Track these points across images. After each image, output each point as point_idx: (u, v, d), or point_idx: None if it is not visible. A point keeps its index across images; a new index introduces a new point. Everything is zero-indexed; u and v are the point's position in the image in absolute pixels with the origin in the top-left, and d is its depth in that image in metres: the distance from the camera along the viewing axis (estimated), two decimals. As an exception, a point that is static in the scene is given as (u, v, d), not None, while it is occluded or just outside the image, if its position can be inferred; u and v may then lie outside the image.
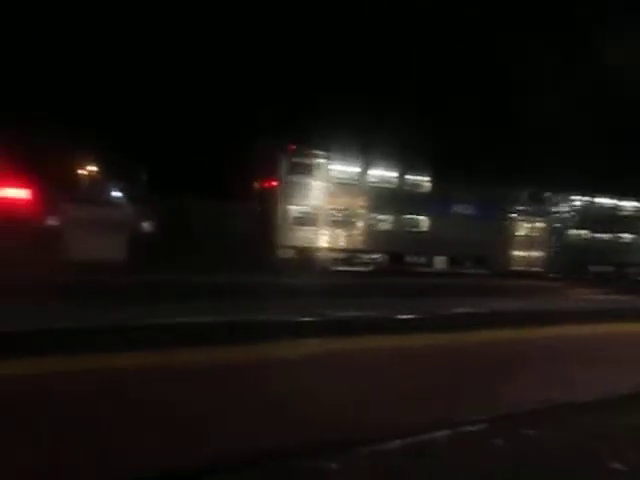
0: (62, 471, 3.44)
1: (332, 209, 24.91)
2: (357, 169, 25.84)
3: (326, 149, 25.38)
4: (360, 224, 25.59)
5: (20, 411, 4.34)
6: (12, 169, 25.68)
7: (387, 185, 26.61)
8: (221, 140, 29.45)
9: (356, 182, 25.75)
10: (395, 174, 26.86)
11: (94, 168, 31.45)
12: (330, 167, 25.22)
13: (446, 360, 6.23)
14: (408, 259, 26.52)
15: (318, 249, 24.62)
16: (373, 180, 26.29)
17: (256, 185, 26.00)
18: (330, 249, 24.99)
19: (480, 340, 6.79)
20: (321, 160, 24.96)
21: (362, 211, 25.67)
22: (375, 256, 25.84)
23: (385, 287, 18.73)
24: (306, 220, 24.54)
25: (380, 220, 26.26)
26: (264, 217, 24.54)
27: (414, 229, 26.77)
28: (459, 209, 27.85)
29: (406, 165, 27.15)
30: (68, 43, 31.13)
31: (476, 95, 37.03)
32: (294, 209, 24.23)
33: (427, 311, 10.54)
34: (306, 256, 24.07)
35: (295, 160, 24.42)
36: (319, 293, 15.56)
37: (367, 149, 26.17)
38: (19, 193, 26.35)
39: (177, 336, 7.38)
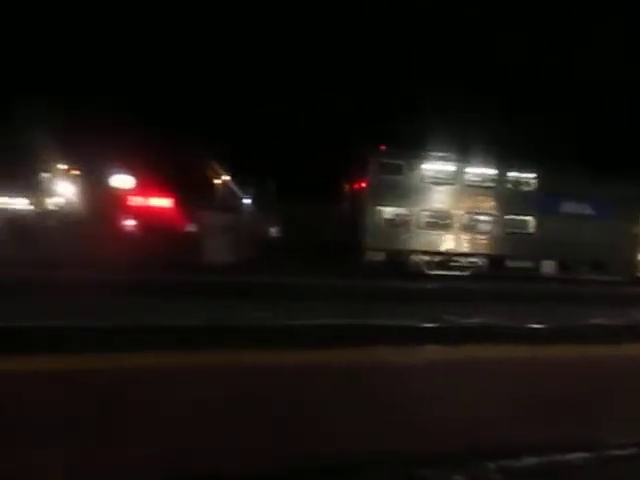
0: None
1: (426, 210, 23.04)
2: (453, 168, 23.62)
3: (419, 148, 23.86)
4: (456, 225, 23.29)
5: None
6: (157, 180, 27.57)
7: (487, 183, 24.03)
8: (325, 146, 29.41)
9: (452, 181, 23.43)
10: (496, 171, 24.11)
11: (227, 178, 32.84)
12: (423, 167, 23.18)
13: (582, 374, 5.57)
14: (510, 263, 23.75)
15: (411, 252, 22.80)
16: (471, 178, 23.84)
17: (346, 187, 25.23)
18: (424, 252, 22.96)
19: (624, 354, 5.97)
20: (413, 160, 23.01)
21: (458, 212, 23.36)
22: (473, 260, 23.54)
23: (491, 293, 16.89)
24: (398, 222, 22.73)
25: (479, 221, 23.69)
26: (354, 219, 23.71)
27: (518, 230, 23.81)
28: (572, 208, 24.32)
29: (508, 161, 24.33)
30: (209, 65, 32.81)
31: (587, 82, 33.98)
32: (385, 210, 23.09)
33: (552, 319, 9.70)
34: (398, 259, 22.83)
35: (385, 160, 23.21)
36: (425, 297, 14.79)
37: (464, 146, 24.17)
38: (163, 202, 28.28)
39: (293, 337, 7.34)
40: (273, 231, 25.37)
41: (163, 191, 27.88)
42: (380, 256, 22.43)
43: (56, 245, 19.13)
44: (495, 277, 22.27)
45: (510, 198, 23.90)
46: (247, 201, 29.46)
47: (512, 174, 24.36)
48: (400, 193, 22.85)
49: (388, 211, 22.84)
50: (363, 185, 23.10)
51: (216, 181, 32.40)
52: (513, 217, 23.89)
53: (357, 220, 23.02)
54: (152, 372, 4.88)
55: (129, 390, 4.28)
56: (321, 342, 7.03)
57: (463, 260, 23.47)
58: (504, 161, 24.16)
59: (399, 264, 22.46)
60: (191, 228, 26.81)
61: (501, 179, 24.11)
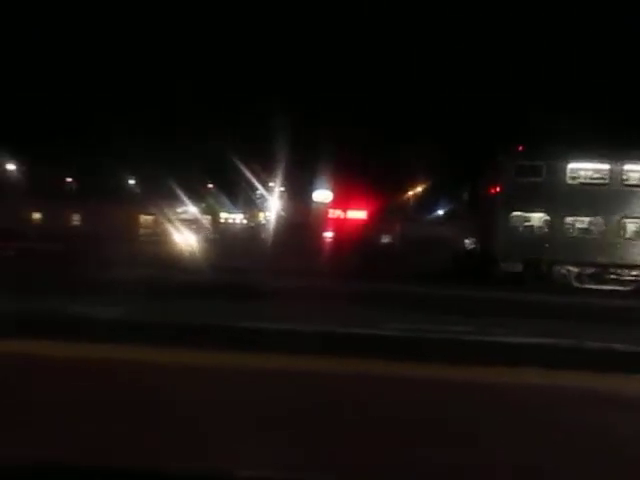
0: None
1: (573, 215, 19.89)
2: (606, 166, 19.95)
3: (562, 147, 19.93)
4: (615, 233, 19.59)
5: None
6: (354, 194, 28.65)
7: None
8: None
9: (606, 182, 19.78)
10: None
11: (420, 189, 32.78)
12: (569, 167, 19.94)
13: None
14: None
15: (554, 262, 19.63)
16: (634, 177, 19.84)
17: (480, 191, 22.73)
18: (572, 263, 19.76)
19: None
20: (556, 160, 19.91)
21: (616, 216, 19.64)
22: (637, 273, 19.28)
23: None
24: (538, 229, 19.95)
25: None
26: (487, 226, 21.08)
27: None
28: None
29: None
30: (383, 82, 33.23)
31: None
32: (523, 217, 19.92)
33: None
34: (538, 270, 19.38)
35: (522, 162, 20.19)
36: (618, 315, 12.44)
37: (620, 141, 19.79)
38: (359, 214, 29.28)
39: (494, 355, 6.89)
40: (468, 242, 24.45)
41: (359, 204, 28.88)
42: (517, 267, 19.61)
43: (264, 255, 20.86)
44: None
45: None
46: (442, 212, 29.05)
47: None
48: (541, 197, 19.52)
49: (527, 217, 19.97)
50: (498, 190, 20.70)
51: (410, 193, 32.57)
52: None
53: (491, 228, 20.59)
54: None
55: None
56: (517, 361, 6.53)
57: (624, 273, 19.21)
58: None
59: (540, 275, 19.29)
60: (386, 239, 27.29)
61: None
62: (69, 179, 38.23)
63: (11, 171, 35.61)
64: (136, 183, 34.92)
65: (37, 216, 34.21)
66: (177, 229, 27.59)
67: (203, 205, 33.49)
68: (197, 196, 31.90)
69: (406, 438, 3.85)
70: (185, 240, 25.66)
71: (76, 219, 33.94)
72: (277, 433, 3.75)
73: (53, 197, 32.87)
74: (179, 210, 30.89)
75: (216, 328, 8.08)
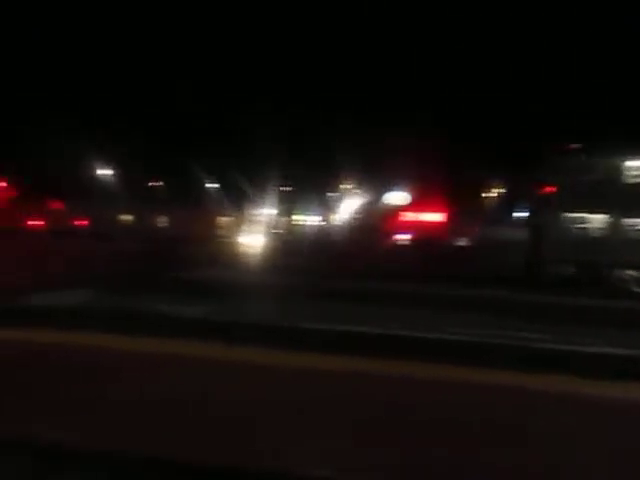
0: None
1: (629, 216, 18.66)
2: None
3: (620, 144, 18.89)
4: None
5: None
6: (430, 196, 28.19)
7: None
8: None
9: None
10: None
11: (501, 191, 31.85)
12: (627, 165, 18.71)
13: None
14: None
15: (611, 265, 18.43)
16: None
17: (532, 191, 21.44)
18: (630, 266, 18.35)
19: None
20: (613, 158, 18.79)
21: None
22: None
23: None
24: (594, 230, 18.82)
25: None
26: (538, 226, 19.75)
27: None
28: None
29: None
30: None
31: None
32: (577, 217, 18.44)
33: None
34: (593, 273, 17.83)
35: (577, 161, 19.27)
36: None
37: None
38: (435, 217, 28.73)
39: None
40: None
41: (436, 206, 28.36)
42: (568, 269, 18.33)
43: (335, 257, 21.04)
44: None
45: None
46: (520, 214, 27.97)
47: None
48: (597, 197, 18.33)
49: (581, 218, 18.65)
50: (551, 189, 19.47)
51: (487, 195, 31.62)
52: None
53: (542, 228, 19.41)
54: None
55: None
56: (600, 372, 6.19)
57: None
58: None
59: (596, 279, 17.88)
60: (462, 242, 26.63)
61: None
62: (158, 183, 40.29)
63: (107, 175, 38.03)
64: (216, 187, 36.27)
65: (128, 218, 36.31)
66: (253, 231, 28.39)
67: (279, 207, 34.23)
68: (273, 198, 32.68)
69: (479, 442, 3.74)
70: (260, 241, 26.36)
71: (162, 221, 35.73)
72: (348, 435, 3.78)
73: (142, 200, 34.84)
74: (256, 212, 31.79)
75: (283, 328, 8.25)
